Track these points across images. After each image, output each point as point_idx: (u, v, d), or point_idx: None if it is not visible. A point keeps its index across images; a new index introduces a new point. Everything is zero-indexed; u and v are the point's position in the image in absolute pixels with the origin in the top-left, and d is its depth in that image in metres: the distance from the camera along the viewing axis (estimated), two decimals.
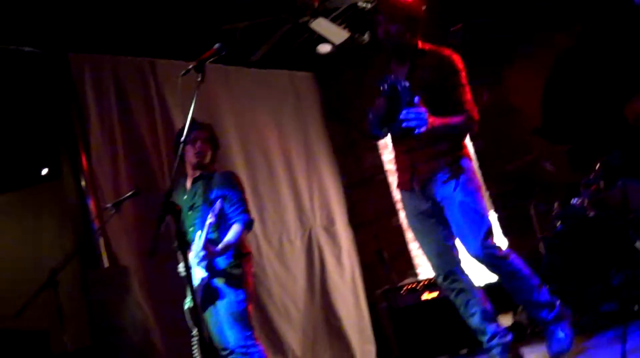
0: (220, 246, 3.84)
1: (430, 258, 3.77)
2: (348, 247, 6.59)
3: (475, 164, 4.00)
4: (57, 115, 5.23)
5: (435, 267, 3.76)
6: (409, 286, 5.17)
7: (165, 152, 5.46)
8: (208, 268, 3.85)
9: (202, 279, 3.83)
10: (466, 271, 3.73)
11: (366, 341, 6.28)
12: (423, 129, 3.17)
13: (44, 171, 7.63)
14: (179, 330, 5.08)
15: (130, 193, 4.14)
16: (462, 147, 3.71)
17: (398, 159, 3.82)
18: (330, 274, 6.25)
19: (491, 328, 3.66)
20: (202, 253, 3.77)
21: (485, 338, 3.67)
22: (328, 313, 6.13)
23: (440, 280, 3.74)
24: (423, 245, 3.78)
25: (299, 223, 6.28)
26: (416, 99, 3.22)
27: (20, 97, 5.70)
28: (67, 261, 4.13)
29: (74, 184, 5.20)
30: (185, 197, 4.06)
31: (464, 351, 4.92)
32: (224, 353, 4.01)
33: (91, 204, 5.10)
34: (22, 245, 7.32)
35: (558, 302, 3.60)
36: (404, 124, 3.21)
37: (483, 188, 4.23)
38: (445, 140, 3.59)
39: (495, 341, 3.64)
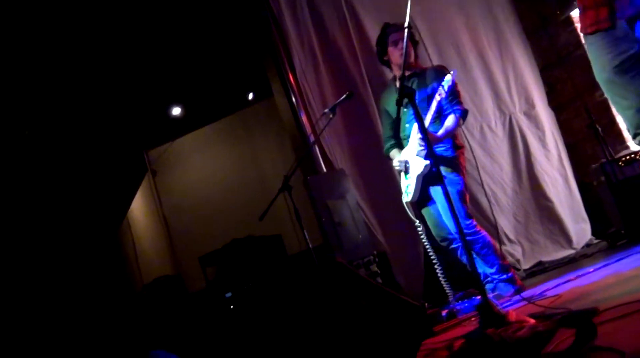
0: (440, 131, 4.06)
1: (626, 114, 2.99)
2: (551, 129, 6.50)
3: None
4: (261, 40, 5.67)
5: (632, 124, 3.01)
6: (627, 158, 5.01)
7: (362, 59, 5.73)
8: (429, 156, 4.06)
9: (426, 166, 4.05)
10: None
11: (580, 220, 6.25)
12: None
13: (250, 96, 8.33)
14: (396, 225, 5.57)
15: (345, 96, 4.46)
16: None
17: None
18: (535, 157, 6.26)
19: None
20: (422, 139, 3.97)
21: None
22: (538, 196, 6.16)
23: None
24: (620, 100, 2.97)
25: (498, 111, 6.31)
26: None
27: (223, 32, 6.24)
28: (294, 168, 4.54)
29: (286, 101, 5.66)
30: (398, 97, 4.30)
31: None
32: (445, 243, 4.29)
33: (304, 117, 5.57)
34: (244, 165, 8.14)
35: None
36: None
37: None
38: None
39: None
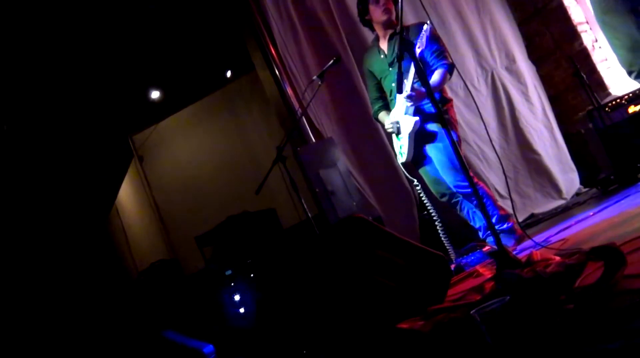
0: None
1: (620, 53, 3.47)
2: (533, 82, 6.54)
3: None
4: (238, 14, 5.63)
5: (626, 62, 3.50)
6: (613, 104, 5.05)
7: (342, 27, 5.73)
8: (418, 112, 4.07)
9: (416, 123, 4.06)
10: None
11: (568, 170, 6.33)
12: None
13: (228, 74, 8.28)
14: (389, 189, 5.60)
15: (332, 61, 4.48)
16: None
17: None
18: (520, 112, 6.31)
19: None
20: (410, 95, 3.94)
21: None
22: (525, 150, 6.22)
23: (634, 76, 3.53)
24: (613, 40, 3.43)
25: (479, 68, 6.35)
26: None
27: (199, 8, 6.18)
28: (286, 139, 4.54)
29: (269, 75, 5.66)
30: (383, 57, 4.30)
31: None
32: (445, 199, 4.34)
33: (288, 89, 5.58)
34: (231, 142, 8.14)
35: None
36: None
37: None
38: None
39: None
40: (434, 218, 4.32)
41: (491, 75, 6.35)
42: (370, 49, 4.58)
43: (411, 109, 4.09)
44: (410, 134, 4.15)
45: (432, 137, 4.14)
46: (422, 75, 3.00)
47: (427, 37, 3.82)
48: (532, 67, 6.66)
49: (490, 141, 4.31)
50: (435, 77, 4.09)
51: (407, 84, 3.92)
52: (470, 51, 6.33)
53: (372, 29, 4.52)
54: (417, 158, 4.36)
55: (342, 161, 5.35)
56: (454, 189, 4.18)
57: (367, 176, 5.67)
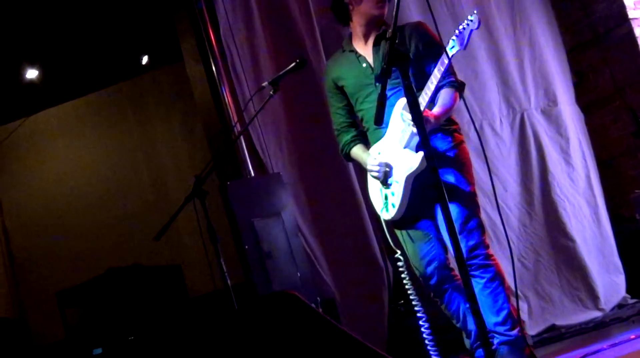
0: (436, 109, 4.05)
1: None
2: (578, 136, 6.59)
3: None
4: None
5: None
6: None
7: (316, 15, 5.75)
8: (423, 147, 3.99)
9: (422, 160, 3.98)
10: None
11: (612, 269, 6.35)
12: None
13: (144, 60, 8.24)
14: (353, 260, 5.57)
15: (293, 64, 4.41)
16: None
17: None
18: (554, 176, 6.32)
19: None
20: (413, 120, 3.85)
21: None
22: (555, 232, 6.22)
23: None
24: None
25: (505, 106, 6.38)
26: None
27: None
28: (211, 166, 4.52)
29: (201, 70, 5.71)
30: (365, 66, 4.27)
31: None
32: (432, 281, 4.29)
33: (226, 94, 5.57)
34: (131, 158, 8.06)
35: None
36: None
37: None
38: None
39: None
40: (417, 310, 4.24)
41: (520, 117, 6.41)
42: (340, 54, 4.50)
43: (415, 141, 4.06)
44: (408, 178, 4.10)
45: (443, 189, 4.10)
46: (417, 109, 3.00)
47: (450, 61, 3.88)
48: (580, 115, 6.73)
49: (498, 209, 4.28)
50: (444, 99, 4.10)
51: (423, 100, 3.92)
52: (495, 80, 6.38)
53: (348, 24, 4.41)
54: (407, 213, 4.24)
55: (290, 210, 5.34)
56: (454, 267, 4.17)
57: (323, 238, 5.65)
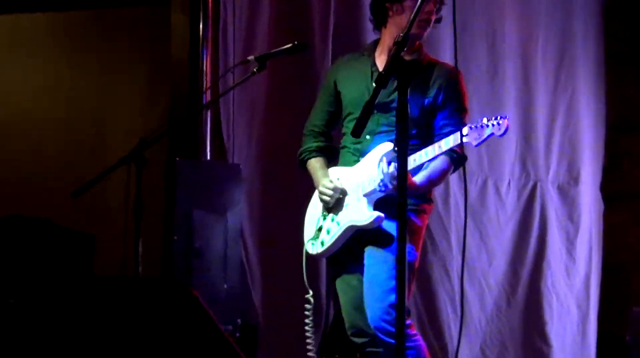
0: (420, 177, 4.01)
1: None
2: (591, 227, 6.54)
3: None
4: None
5: None
6: None
7: (335, 4, 5.70)
8: (383, 206, 4.01)
9: (372, 221, 4.02)
10: None
11: None
12: None
13: None
14: (294, 285, 5.46)
15: (290, 45, 4.22)
16: None
17: None
18: (550, 263, 6.29)
19: None
20: (383, 182, 3.92)
21: None
22: (530, 328, 6.22)
23: None
24: None
25: (519, 169, 6.33)
26: None
27: None
28: (161, 132, 4.37)
29: (186, 21, 5.68)
30: (373, 86, 4.13)
31: None
32: (358, 339, 4.32)
33: (207, 56, 5.54)
34: (76, 88, 7.97)
35: None
36: None
37: None
38: None
39: None
40: None
41: (532, 186, 6.37)
42: (357, 57, 4.48)
43: (377, 196, 4.06)
44: (349, 228, 4.13)
45: (384, 239, 4.06)
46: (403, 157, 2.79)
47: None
48: (601, 204, 6.68)
49: (462, 282, 4.26)
50: (434, 167, 4.06)
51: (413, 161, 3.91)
52: (516, 132, 6.30)
53: (378, 29, 4.38)
54: (341, 259, 4.28)
55: (238, 212, 5.44)
56: (373, 329, 4.10)
57: (266, 253, 5.68)
